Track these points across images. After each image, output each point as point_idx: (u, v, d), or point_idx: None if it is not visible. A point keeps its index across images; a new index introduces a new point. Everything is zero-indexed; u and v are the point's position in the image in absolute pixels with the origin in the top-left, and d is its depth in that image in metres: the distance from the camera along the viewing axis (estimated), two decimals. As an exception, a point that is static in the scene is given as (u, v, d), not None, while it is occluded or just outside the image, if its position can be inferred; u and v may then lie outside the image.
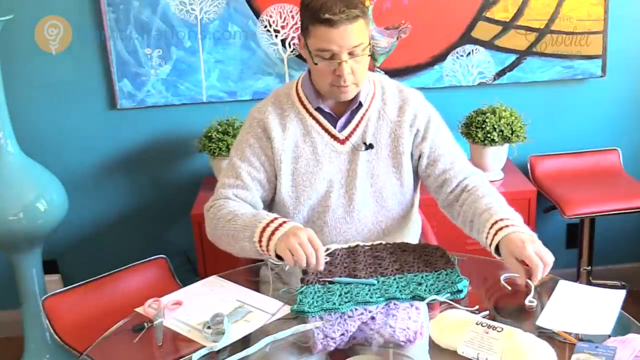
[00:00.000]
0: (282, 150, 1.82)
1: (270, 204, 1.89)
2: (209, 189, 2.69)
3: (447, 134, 1.89)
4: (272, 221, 1.64)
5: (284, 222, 1.64)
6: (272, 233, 1.61)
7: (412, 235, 1.95)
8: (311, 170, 1.83)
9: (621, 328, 1.40)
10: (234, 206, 1.77)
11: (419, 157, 1.85)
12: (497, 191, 1.81)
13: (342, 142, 1.83)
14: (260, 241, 1.63)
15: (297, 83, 1.87)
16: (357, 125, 1.83)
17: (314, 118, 1.83)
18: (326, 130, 1.83)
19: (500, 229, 1.61)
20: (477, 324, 1.38)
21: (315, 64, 1.72)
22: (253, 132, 1.84)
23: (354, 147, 1.83)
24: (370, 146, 1.83)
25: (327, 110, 1.82)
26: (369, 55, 1.73)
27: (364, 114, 1.83)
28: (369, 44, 1.72)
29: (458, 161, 1.85)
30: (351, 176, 1.83)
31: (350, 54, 1.68)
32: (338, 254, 1.72)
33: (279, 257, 1.62)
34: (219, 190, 1.84)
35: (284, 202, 1.84)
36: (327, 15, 1.63)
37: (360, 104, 1.82)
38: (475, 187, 1.79)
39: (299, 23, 2.72)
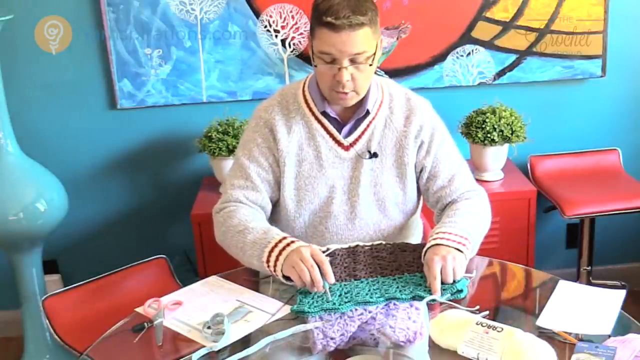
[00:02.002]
0: (286, 152, 1.81)
1: (273, 207, 1.88)
2: (209, 189, 2.70)
3: (451, 147, 1.87)
4: (280, 241, 1.63)
5: (292, 242, 1.62)
6: (279, 253, 1.60)
7: (414, 241, 1.94)
8: (314, 175, 1.82)
9: (621, 328, 1.40)
10: (245, 215, 1.74)
11: (421, 170, 1.84)
12: (481, 210, 1.79)
13: (346, 148, 1.82)
14: (267, 262, 1.62)
15: (305, 84, 1.85)
16: (362, 133, 1.82)
17: (319, 122, 1.82)
18: (331, 135, 1.82)
19: (434, 238, 1.63)
20: (477, 324, 1.38)
21: (315, 66, 1.71)
22: (260, 132, 1.83)
23: (358, 155, 1.82)
24: (375, 155, 1.81)
25: (332, 115, 1.81)
26: (371, 65, 1.69)
27: (370, 122, 1.81)
28: (374, 53, 1.69)
29: (457, 178, 1.83)
30: (354, 183, 1.82)
31: (352, 61, 1.66)
32: (338, 254, 1.72)
33: (287, 278, 1.61)
34: (229, 192, 1.82)
35: (286, 204, 1.83)
36: (329, 19, 1.61)
37: (368, 112, 1.80)
38: (458, 203, 1.79)
39: (299, 23, 2.73)
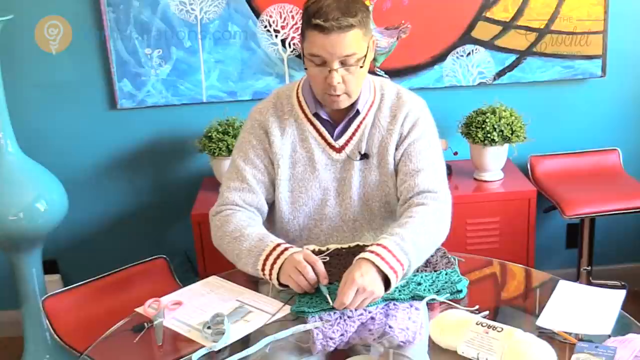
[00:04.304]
0: (280, 154, 1.81)
1: (269, 209, 1.87)
2: (209, 189, 2.70)
3: (428, 146, 1.79)
4: (274, 249, 1.62)
5: (285, 249, 1.62)
6: (274, 262, 1.60)
7: None
8: (307, 177, 1.82)
9: (621, 328, 1.40)
10: (241, 221, 1.74)
11: (397, 163, 1.80)
12: (436, 222, 1.67)
13: (338, 150, 1.82)
14: (263, 270, 1.62)
15: (298, 86, 1.85)
16: (353, 134, 1.81)
17: (312, 124, 1.82)
18: (323, 138, 1.82)
19: (373, 250, 1.54)
20: (477, 324, 1.38)
21: (306, 68, 1.71)
22: (255, 134, 1.83)
23: (348, 157, 1.82)
24: (365, 156, 1.81)
25: (324, 117, 1.80)
26: (361, 67, 1.68)
27: (360, 123, 1.81)
28: (365, 55, 1.67)
29: (420, 174, 1.74)
30: (346, 185, 1.82)
31: (342, 63, 1.65)
32: (338, 254, 1.72)
33: (282, 284, 1.61)
34: (225, 195, 1.82)
35: (280, 206, 1.83)
36: (318, 21, 1.60)
37: (358, 112, 1.80)
38: (413, 208, 1.68)
39: (299, 23, 2.73)
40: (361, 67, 1.68)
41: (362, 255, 1.54)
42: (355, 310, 1.50)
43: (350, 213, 1.83)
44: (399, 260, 1.53)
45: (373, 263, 1.51)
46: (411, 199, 1.73)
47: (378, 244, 1.56)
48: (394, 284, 1.53)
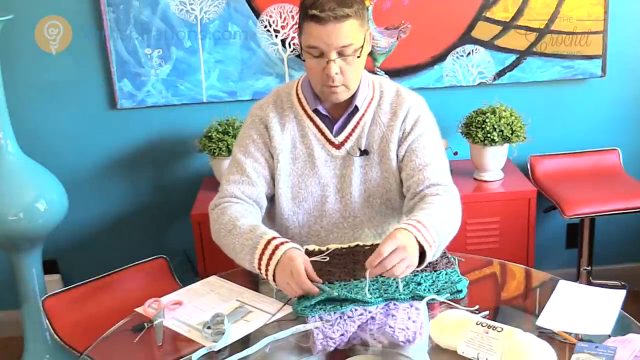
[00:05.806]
0: (280, 149, 1.82)
1: (269, 206, 1.87)
2: (209, 189, 2.70)
3: (431, 142, 1.80)
4: (265, 247, 1.59)
5: (278, 245, 1.59)
6: (269, 259, 1.58)
7: None
8: (307, 173, 1.82)
9: (621, 328, 1.40)
10: (236, 212, 1.73)
11: (401, 160, 1.81)
12: (453, 211, 1.70)
13: (338, 147, 1.82)
14: (259, 268, 1.61)
15: (298, 83, 1.86)
16: (352, 130, 1.82)
17: (312, 120, 1.82)
18: (322, 134, 1.82)
19: (400, 224, 1.56)
20: (477, 324, 1.38)
21: (304, 60, 1.72)
22: (255, 128, 1.83)
23: (348, 153, 1.82)
24: (365, 152, 1.81)
25: (324, 112, 1.81)
26: (358, 57, 1.69)
27: (360, 119, 1.81)
28: (362, 46, 1.69)
29: (428, 169, 1.75)
30: (346, 182, 1.82)
31: (340, 53, 1.66)
32: (338, 254, 1.72)
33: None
34: (224, 187, 1.81)
35: (281, 202, 1.83)
36: (314, 12, 1.62)
37: (357, 108, 1.80)
38: (430, 197, 1.70)
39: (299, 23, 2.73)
40: (358, 57, 1.69)
41: (398, 226, 1.54)
42: (356, 310, 1.50)
43: (351, 210, 1.83)
44: (432, 235, 1.55)
45: (411, 233, 1.51)
46: (423, 191, 1.74)
47: (412, 218, 1.56)
48: (429, 258, 1.54)
